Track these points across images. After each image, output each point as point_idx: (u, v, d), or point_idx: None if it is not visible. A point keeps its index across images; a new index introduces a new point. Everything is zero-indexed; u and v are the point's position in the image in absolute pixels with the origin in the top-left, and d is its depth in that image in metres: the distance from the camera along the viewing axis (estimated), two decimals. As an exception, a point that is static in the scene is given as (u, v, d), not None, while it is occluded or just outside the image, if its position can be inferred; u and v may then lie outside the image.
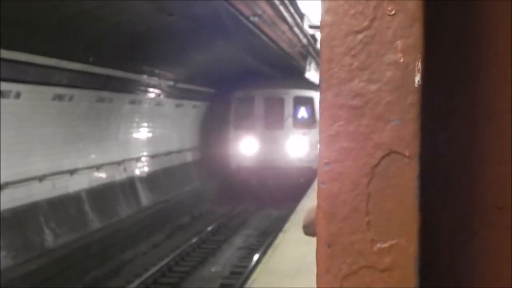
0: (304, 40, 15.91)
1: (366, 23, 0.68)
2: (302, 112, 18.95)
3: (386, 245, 0.69)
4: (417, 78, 0.68)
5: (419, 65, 0.68)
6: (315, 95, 18.05)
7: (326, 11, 0.69)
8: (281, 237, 8.64)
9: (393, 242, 0.68)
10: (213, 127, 20.77)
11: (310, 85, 18.74)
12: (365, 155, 0.69)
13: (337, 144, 0.70)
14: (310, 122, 18.46)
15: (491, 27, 0.75)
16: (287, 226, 9.41)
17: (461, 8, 0.76)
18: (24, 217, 9.09)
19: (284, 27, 13.00)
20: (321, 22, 0.70)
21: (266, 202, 18.17)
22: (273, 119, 19.03)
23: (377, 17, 0.68)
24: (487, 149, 0.79)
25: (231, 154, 19.41)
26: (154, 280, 9.58)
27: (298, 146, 18.49)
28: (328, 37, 0.69)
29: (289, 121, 18.95)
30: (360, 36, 0.69)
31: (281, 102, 19.18)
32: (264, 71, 19.59)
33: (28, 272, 8.34)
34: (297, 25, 13.95)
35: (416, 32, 0.67)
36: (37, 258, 8.87)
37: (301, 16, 14.82)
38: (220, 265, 10.97)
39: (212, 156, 20.33)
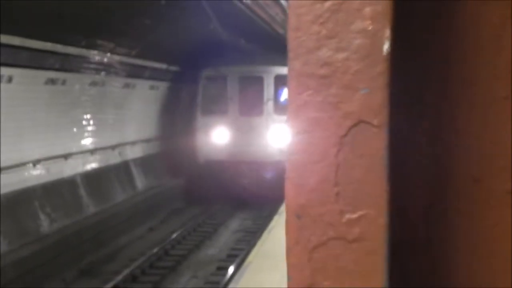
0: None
1: None
2: (286, 94, 15.24)
3: (355, 215, 0.68)
4: (386, 46, 0.67)
5: (388, 32, 0.66)
6: None
7: None
8: (276, 219, 8.84)
9: (362, 212, 0.68)
10: (178, 113, 17.54)
11: None
12: (334, 125, 0.68)
13: (305, 114, 0.69)
14: None
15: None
16: (282, 209, 9.47)
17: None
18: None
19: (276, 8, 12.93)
20: None
21: (242, 204, 15.31)
22: (250, 103, 15.84)
23: None
24: (462, 122, 0.78)
25: (198, 146, 16.10)
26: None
27: (280, 135, 15.24)
28: (295, 4, 0.68)
29: (270, 105, 15.71)
30: (327, 4, 0.67)
31: (259, 82, 15.88)
32: (238, 44, 15.81)
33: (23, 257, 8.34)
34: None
35: (383, 1, 0.66)
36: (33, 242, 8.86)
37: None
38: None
39: (177, 149, 16.97)
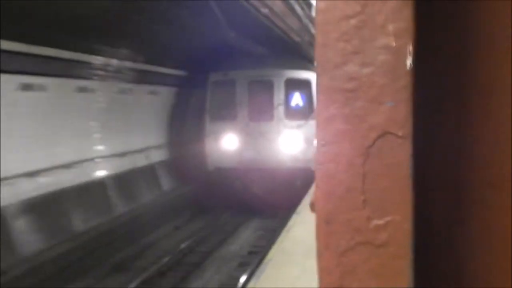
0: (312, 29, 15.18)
1: (358, 8, 0.70)
2: (297, 99, 15.08)
3: (381, 221, 0.72)
4: (409, 61, 0.70)
5: (410, 48, 0.70)
6: (313, 77, 13.61)
7: (318, 2, 0.71)
8: (294, 219, 8.99)
9: (389, 218, 0.72)
10: (186, 119, 16.96)
11: (307, 64, 15.19)
12: (360, 137, 0.72)
13: (333, 126, 0.73)
14: (306, 112, 14.50)
15: (481, 10, 0.77)
16: (300, 208, 9.73)
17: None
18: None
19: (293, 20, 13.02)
20: (316, 7, 0.73)
21: (253, 212, 14.58)
22: (260, 108, 15.18)
23: (368, 2, 0.70)
24: (479, 129, 0.82)
25: (207, 153, 15.44)
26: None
27: (291, 141, 14.74)
28: (322, 22, 0.72)
29: (280, 110, 14.96)
30: (353, 21, 0.71)
31: (269, 86, 15.26)
32: (249, 48, 15.19)
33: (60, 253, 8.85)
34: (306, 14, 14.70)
35: (407, 16, 0.70)
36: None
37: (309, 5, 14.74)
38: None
39: (186, 156, 16.47)
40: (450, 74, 0.82)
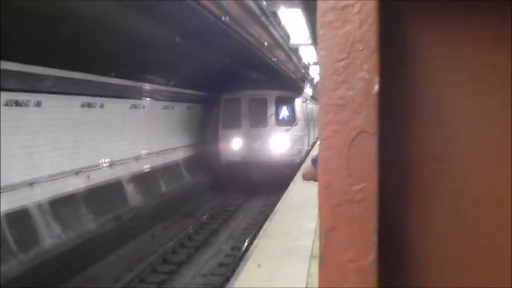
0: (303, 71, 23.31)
1: (345, 55, 1.15)
2: (284, 111, 21.12)
3: (359, 186, 1.16)
4: (376, 87, 1.14)
5: (377, 80, 1.14)
6: (295, 96, 21.44)
7: (321, 49, 1.16)
8: (291, 185, 15.57)
9: (363, 185, 1.16)
10: (207, 127, 23.19)
11: (291, 87, 21.82)
12: (346, 134, 1.16)
13: (329, 127, 1.17)
14: (291, 120, 20.94)
15: (416, 56, 1.22)
16: (295, 178, 16.44)
17: (397, 46, 1.22)
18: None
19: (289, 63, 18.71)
20: (318, 54, 1.17)
21: (254, 193, 20.17)
22: (258, 117, 21.03)
23: (351, 51, 1.14)
24: (422, 129, 1.26)
25: (221, 151, 21.38)
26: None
27: (280, 142, 20.69)
28: (323, 63, 1.16)
29: (272, 119, 21.01)
30: (342, 63, 1.15)
31: (264, 102, 21.09)
32: (249, 75, 22.07)
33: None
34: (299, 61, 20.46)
35: (374, 60, 1.14)
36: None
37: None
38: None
39: (208, 152, 22.57)
40: (399, 94, 1.27)
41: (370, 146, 1.15)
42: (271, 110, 21.11)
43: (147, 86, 16.14)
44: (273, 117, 21.08)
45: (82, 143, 13.03)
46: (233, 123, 21.18)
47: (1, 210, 9.89)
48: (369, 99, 1.14)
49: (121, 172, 15.20)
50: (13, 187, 10.39)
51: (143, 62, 13.94)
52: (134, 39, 11.83)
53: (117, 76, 13.64)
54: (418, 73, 1.29)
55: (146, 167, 17.11)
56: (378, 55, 1.14)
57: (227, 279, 9.63)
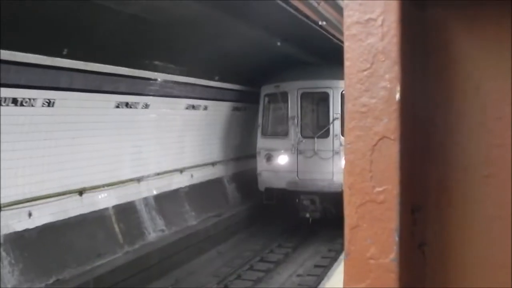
0: None
1: (368, 65, 1.23)
2: None
3: (380, 189, 1.24)
4: (397, 95, 1.21)
5: (398, 88, 1.21)
6: None
7: (346, 59, 1.25)
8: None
9: (385, 187, 1.23)
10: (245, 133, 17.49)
11: None
12: (369, 139, 1.24)
13: (353, 132, 1.26)
14: None
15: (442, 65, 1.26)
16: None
17: (441, 53, 1.28)
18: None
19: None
20: (344, 64, 1.26)
21: (310, 234, 14.22)
22: (314, 122, 14.63)
23: (374, 62, 1.22)
24: (465, 136, 1.31)
25: (258, 171, 14.77)
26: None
27: None
28: (348, 73, 1.25)
29: (337, 125, 13.75)
30: (365, 73, 1.24)
31: (324, 98, 14.18)
32: (304, 58, 14.99)
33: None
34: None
35: (396, 70, 1.21)
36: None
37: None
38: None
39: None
40: (444, 101, 1.32)
41: (391, 151, 1.22)
42: (336, 110, 13.94)
43: (237, 87, 15.00)
44: (338, 122, 13.77)
45: (186, 143, 13.79)
46: (276, 130, 14.67)
47: (111, 204, 10.76)
48: (391, 107, 1.22)
49: (223, 172, 15.67)
50: (123, 183, 11.25)
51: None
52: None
53: (220, 80, 14.06)
54: (462, 81, 1.34)
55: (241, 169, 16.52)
56: (399, 66, 1.21)
57: None
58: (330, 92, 13.94)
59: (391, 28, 1.20)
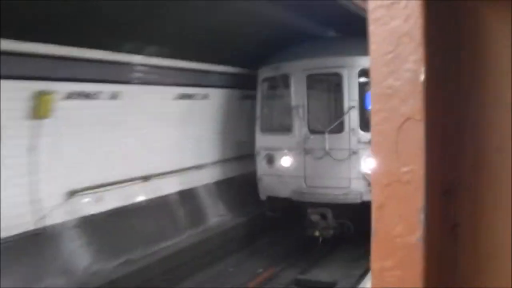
0: None
1: (392, 48, 1.25)
2: None
3: (406, 169, 1.26)
4: (422, 77, 1.23)
5: (422, 70, 1.23)
6: None
7: (371, 43, 1.28)
8: None
9: (410, 167, 1.26)
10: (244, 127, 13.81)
11: None
12: (395, 120, 1.27)
13: (379, 114, 1.29)
14: None
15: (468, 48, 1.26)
16: None
17: (476, 40, 1.28)
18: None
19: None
20: (370, 48, 1.29)
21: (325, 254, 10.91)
22: (324, 113, 11.29)
23: (399, 44, 1.25)
24: (497, 118, 1.30)
25: (258, 176, 11.68)
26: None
27: (370, 164, 8.82)
28: (373, 56, 1.28)
29: (354, 116, 10.47)
30: (390, 55, 1.26)
31: (337, 81, 10.77)
32: (312, 30, 11.53)
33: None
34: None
35: (420, 52, 1.23)
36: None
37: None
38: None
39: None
40: (449, 84, 1.32)
41: (417, 131, 1.25)
42: (352, 96, 10.54)
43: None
44: (354, 113, 10.49)
45: (243, 132, 13.73)
46: (278, 124, 11.47)
47: (174, 190, 11.14)
48: (416, 88, 1.24)
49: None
50: (185, 170, 11.61)
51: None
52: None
53: (208, 61, 11.49)
54: (495, 63, 1.34)
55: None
56: (424, 47, 1.22)
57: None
58: (344, 72, 10.49)
59: (414, 10, 1.22)
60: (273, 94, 11.72)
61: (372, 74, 1.29)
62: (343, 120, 10.79)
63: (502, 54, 1.35)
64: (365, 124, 10.44)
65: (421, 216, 1.25)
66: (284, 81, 11.28)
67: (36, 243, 8.33)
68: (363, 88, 10.54)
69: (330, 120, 11.05)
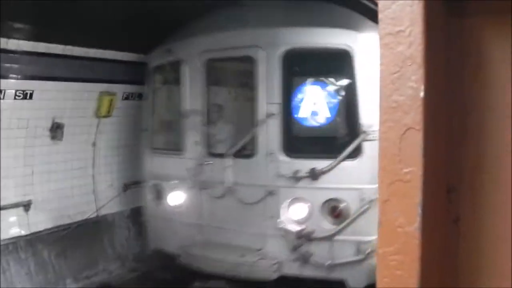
0: None
1: (398, 69, 1.50)
2: (316, 98, 6.43)
3: (407, 170, 1.51)
4: (422, 93, 1.47)
5: (422, 87, 1.47)
6: (359, 45, 6.14)
7: (380, 64, 1.52)
8: None
9: (411, 169, 1.50)
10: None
11: (344, 17, 6.50)
12: (398, 130, 1.51)
13: (386, 124, 1.53)
14: (342, 131, 6.48)
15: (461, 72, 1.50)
16: None
17: (475, 55, 1.52)
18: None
19: None
20: (379, 68, 1.53)
21: None
22: (231, 125, 7.55)
23: (403, 66, 1.49)
24: (499, 126, 1.54)
25: (144, 218, 8.07)
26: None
27: (298, 211, 6.42)
28: (382, 76, 1.53)
29: (274, 131, 6.57)
30: (395, 75, 1.51)
31: (248, 67, 6.84)
32: None
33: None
34: None
35: (421, 73, 1.47)
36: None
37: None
38: None
39: None
40: (480, 96, 1.56)
41: (416, 139, 1.49)
42: (272, 96, 6.55)
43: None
44: (276, 125, 6.55)
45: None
46: (170, 140, 7.82)
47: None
48: (416, 103, 1.48)
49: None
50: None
51: None
52: None
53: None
54: (494, 79, 1.58)
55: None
56: (424, 69, 1.47)
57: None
58: (259, 55, 6.57)
59: (417, 37, 1.46)
60: (166, 93, 7.78)
61: (381, 90, 1.54)
62: (255, 137, 6.63)
63: (501, 67, 1.59)
64: (292, 145, 6.50)
65: (419, 210, 1.50)
66: (176, 71, 7.26)
67: (96, 229, 8.11)
68: (290, 83, 6.50)
69: (237, 136, 7.11)
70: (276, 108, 6.56)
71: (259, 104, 6.66)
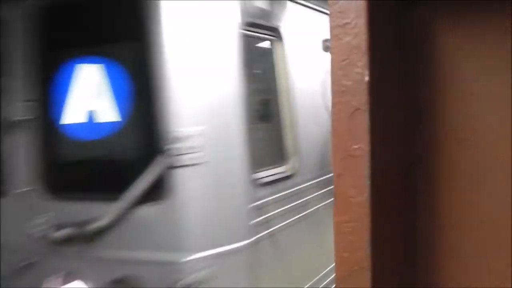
0: None
1: (346, 57, 1.69)
2: (99, 89, 3.79)
3: (356, 146, 1.70)
4: (367, 78, 1.66)
5: (367, 72, 1.66)
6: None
7: (332, 53, 1.72)
8: None
9: (359, 145, 1.69)
10: None
11: None
12: (348, 110, 1.71)
13: (337, 106, 1.73)
14: (147, 145, 3.87)
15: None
16: None
17: (429, 41, 1.71)
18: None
19: None
20: (331, 57, 1.73)
21: None
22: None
23: (350, 54, 1.69)
24: (446, 107, 1.72)
25: None
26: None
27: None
28: (332, 63, 1.72)
29: (25, 143, 4.11)
30: (343, 62, 1.70)
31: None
32: None
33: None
34: None
35: (365, 60, 1.66)
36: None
37: None
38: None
39: None
40: (430, 80, 1.75)
41: (363, 118, 1.68)
42: (21, 84, 3.95)
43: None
44: (30, 134, 4.07)
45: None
46: None
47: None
48: (361, 86, 1.67)
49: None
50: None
51: None
52: None
53: None
54: (444, 66, 1.76)
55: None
56: (368, 56, 1.66)
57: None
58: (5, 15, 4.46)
59: (361, 29, 1.66)
60: None
61: (332, 76, 1.73)
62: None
63: (443, 52, 1.78)
64: (54, 176, 4.39)
65: (368, 182, 1.69)
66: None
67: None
68: (51, 61, 4.31)
69: None
70: (27, 110, 4.08)
71: None
